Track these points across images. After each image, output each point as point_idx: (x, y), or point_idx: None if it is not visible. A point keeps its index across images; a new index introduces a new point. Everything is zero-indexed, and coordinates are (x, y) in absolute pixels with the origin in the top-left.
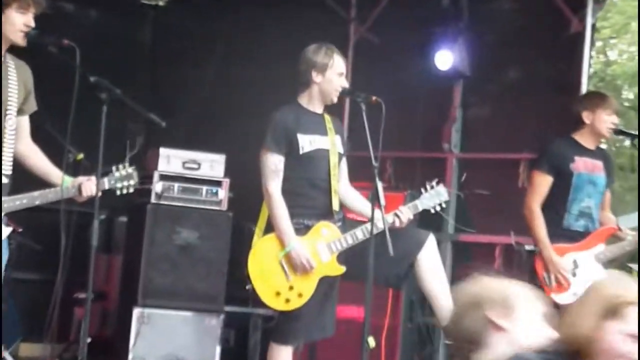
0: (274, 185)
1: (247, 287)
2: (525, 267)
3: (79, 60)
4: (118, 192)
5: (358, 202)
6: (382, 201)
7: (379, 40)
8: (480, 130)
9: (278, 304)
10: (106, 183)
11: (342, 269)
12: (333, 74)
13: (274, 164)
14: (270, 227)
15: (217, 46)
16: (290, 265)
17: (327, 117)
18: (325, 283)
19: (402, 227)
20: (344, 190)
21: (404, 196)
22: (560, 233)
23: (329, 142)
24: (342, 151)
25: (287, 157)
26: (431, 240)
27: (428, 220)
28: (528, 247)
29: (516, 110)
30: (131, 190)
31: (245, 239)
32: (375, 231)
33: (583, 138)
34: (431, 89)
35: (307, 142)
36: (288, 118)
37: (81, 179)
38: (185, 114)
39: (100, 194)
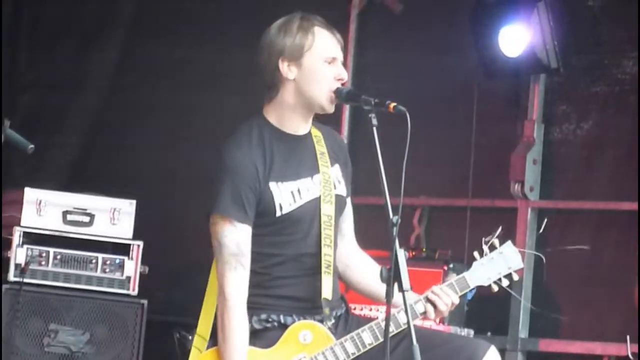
0: (234, 280)
1: None
2: None
3: None
4: None
5: (369, 274)
6: (406, 283)
7: (402, 6)
8: (575, 162)
9: None
10: None
11: None
12: (316, 60)
13: (234, 244)
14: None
15: (124, 9)
16: None
17: (315, 135)
18: None
19: (441, 318)
20: (347, 256)
21: (444, 273)
22: None
23: (319, 184)
24: (344, 193)
25: (256, 223)
26: (492, 356)
27: (479, 315)
28: None
29: None
30: None
31: (170, 349)
32: (393, 330)
33: None
34: (491, 90)
35: (287, 196)
36: (252, 157)
37: None
38: (68, 131)
39: None
